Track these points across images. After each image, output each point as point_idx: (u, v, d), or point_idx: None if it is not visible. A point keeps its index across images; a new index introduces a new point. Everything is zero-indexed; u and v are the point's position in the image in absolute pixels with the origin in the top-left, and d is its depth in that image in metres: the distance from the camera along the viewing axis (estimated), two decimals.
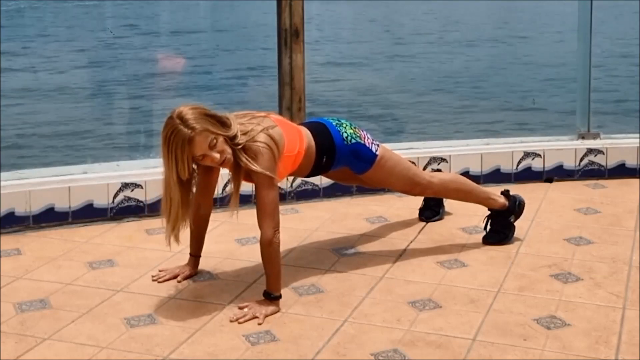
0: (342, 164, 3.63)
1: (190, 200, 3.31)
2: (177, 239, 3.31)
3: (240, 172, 3.27)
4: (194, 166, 3.29)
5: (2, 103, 7.13)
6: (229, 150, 3.20)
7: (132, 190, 4.24)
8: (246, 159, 3.20)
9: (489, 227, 3.92)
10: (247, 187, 3.60)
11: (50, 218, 4.11)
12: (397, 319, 3.16)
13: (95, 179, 4.26)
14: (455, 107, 8.29)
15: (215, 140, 3.15)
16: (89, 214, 4.18)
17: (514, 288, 3.43)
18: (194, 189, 3.34)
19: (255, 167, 3.20)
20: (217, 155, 3.17)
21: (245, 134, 3.23)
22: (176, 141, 3.11)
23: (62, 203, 4.13)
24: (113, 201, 4.22)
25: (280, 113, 4.55)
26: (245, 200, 4.13)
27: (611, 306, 3.26)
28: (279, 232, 3.24)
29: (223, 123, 3.20)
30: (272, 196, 3.23)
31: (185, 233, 3.62)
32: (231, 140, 3.20)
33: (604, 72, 8.55)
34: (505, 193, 3.94)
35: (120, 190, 4.23)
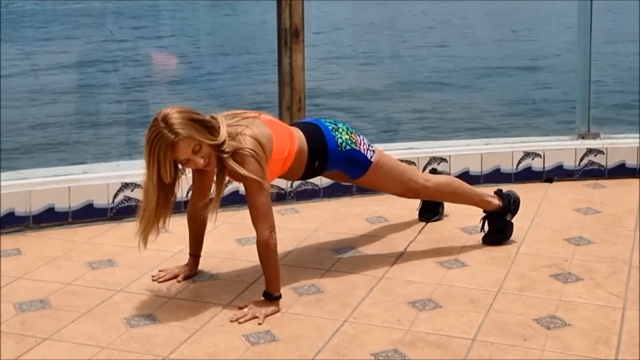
0: (336, 169, 3.62)
1: (171, 203, 3.28)
2: (145, 242, 3.27)
3: (224, 175, 3.25)
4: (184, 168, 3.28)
5: (2, 103, 7.13)
6: (213, 154, 3.18)
7: (132, 190, 4.24)
8: (233, 164, 3.18)
9: (486, 227, 3.92)
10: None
11: (50, 218, 4.11)
12: (397, 319, 3.16)
13: (95, 179, 4.26)
14: (455, 106, 8.29)
15: (199, 146, 3.13)
16: (89, 214, 4.18)
17: (514, 288, 3.43)
18: (189, 192, 3.32)
19: (242, 171, 3.17)
20: (201, 161, 3.15)
21: (232, 138, 3.20)
22: (159, 145, 3.08)
23: (62, 203, 4.13)
24: (113, 201, 4.22)
25: (280, 113, 4.55)
26: (244, 200, 4.13)
27: (611, 306, 3.26)
28: (275, 233, 3.24)
29: (210, 128, 3.15)
30: (263, 198, 3.21)
31: (184, 233, 3.63)
32: (217, 147, 3.16)
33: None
34: (498, 193, 3.93)
35: (120, 190, 4.22)
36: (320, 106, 7.63)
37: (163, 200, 3.22)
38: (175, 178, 3.23)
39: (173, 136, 3.07)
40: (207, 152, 3.15)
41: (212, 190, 3.34)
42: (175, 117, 3.09)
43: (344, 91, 8.87)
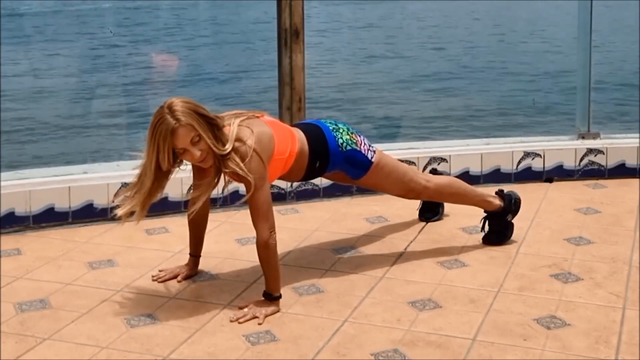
0: (337, 169, 3.62)
1: (160, 192, 3.27)
2: (125, 219, 3.26)
3: (221, 172, 3.23)
4: (184, 163, 3.28)
5: (2, 103, 7.13)
6: (211, 153, 3.16)
7: None
8: (235, 164, 3.17)
9: (486, 227, 3.92)
10: None
11: (50, 218, 4.11)
12: (397, 319, 3.16)
13: (95, 179, 4.26)
14: (456, 106, 8.28)
15: (198, 138, 3.13)
16: (89, 214, 4.18)
17: (514, 288, 3.43)
18: (190, 192, 3.31)
19: (243, 171, 3.17)
20: (198, 153, 3.14)
21: (236, 139, 3.21)
22: (160, 130, 3.10)
23: (62, 203, 4.13)
24: (113, 201, 4.21)
25: (280, 113, 4.55)
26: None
27: (611, 306, 3.26)
28: (275, 233, 3.24)
29: (213, 125, 3.15)
30: (264, 198, 3.21)
31: (184, 233, 3.63)
32: (218, 147, 3.15)
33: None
34: (499, 193, 3.93)
35: (120, 190, 4.22)
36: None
37: (153, 190, 3.23)
38: (169, 170, 3.24)
39: (174, 122, 3.09)
40: (205, 147, 3.15)
41: (215, 190, 3.33)
42: (179, 105, 3.12)
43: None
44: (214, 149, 3.14)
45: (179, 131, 3.10)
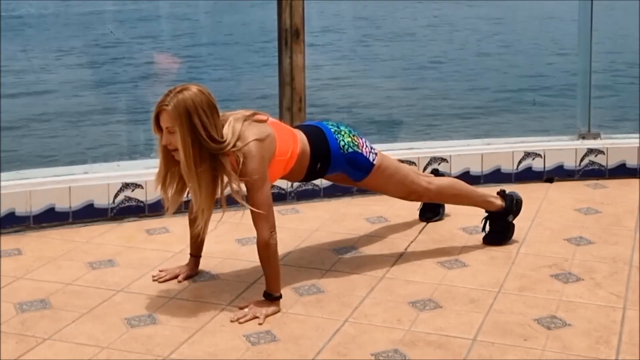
0: (338, 171, 3.62)
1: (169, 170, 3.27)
2: (166, 202, 3.32)
3: (222, 178, 3.24)
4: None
5: (2, 102, 7.13)
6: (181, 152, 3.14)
7: (133, 191, 4.24)
8: (231, 171, 3.17)
9: (487, 227, 3.92)
10: None
11: (50, 218, 4.11)
12: (398, 319, 3.16)
13: (96, 179, 4.26)
14: (456, 107, 8.27)
15: (174, 130, 3.13)
16: (89, 214, 4.18)
17: (514, 288, 3.43)
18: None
19: (234, 184, 3.18)
20: (164, 141, 3.16)
21: (238, 139, 3.20)
22: (160, 99, 3.16)
23: (62, 203, 4.13)
24: (114, 201, 4.22)
25: (281, 113, 4.55)
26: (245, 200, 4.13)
27: (611, 306, 3.26)
28: (275, 233, 3.24)
29: (201, 136, 3.12)
30: (265, 198, 3.22)
31: (184, 233, 3.63)
32: (190, 159, 3.14)
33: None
34: (501, 193, 3.93)
35: (120, 190, 4.22)
36: None
37: (166, 166, 3.24)
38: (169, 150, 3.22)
39: (165, 103, 3.12)
40: (176, 144, 3.13)
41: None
42: (187, 94, 3.13)
43: None
44: (185, 157, 3.13)
45: (162, 114, 3.15)
